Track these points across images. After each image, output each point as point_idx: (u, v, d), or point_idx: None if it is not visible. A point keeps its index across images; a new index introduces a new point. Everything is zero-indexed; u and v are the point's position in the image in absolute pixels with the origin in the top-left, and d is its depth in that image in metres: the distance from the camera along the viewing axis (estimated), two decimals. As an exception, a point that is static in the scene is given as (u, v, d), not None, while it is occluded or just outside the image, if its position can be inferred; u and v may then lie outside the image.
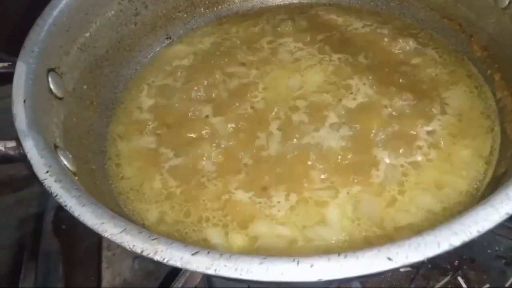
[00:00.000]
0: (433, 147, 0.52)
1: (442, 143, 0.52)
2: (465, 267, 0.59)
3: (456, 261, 0.59)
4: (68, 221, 0.67)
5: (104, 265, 0.62)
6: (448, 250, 0.31)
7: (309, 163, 0.51)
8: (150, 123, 0.60)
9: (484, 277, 0.58)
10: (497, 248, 0.60)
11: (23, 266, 0.76)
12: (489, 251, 0.59)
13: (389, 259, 0.30)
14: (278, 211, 0.48)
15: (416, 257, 0.30)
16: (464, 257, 0.59)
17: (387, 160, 0.51)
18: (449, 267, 0.59)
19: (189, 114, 0.59)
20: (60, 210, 0.69)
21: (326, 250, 0.44)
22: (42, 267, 0.63)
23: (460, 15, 0.63)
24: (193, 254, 0.31)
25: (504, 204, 0.32)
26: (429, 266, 0.59)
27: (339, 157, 0.52)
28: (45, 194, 0.76)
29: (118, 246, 0.60)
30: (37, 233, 0.72)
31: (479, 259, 0.59)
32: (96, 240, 0.64)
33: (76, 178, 0.43)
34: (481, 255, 0.59)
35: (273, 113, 0.58)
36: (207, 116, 0.59)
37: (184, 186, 0.52)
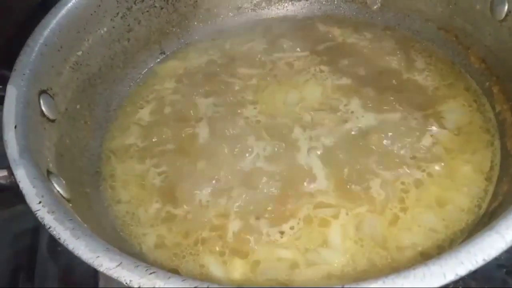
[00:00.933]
0: (433, 163, 0.51)
1: (442, 159, 0.52)
2: (466, 276, 0.58)
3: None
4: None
5: (101, 283, 0.61)
6: (454, 280, 0.30)
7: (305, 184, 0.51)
8: (144, 140, 0.59)
9: (486, 287, 0.57)
10: (498, 257, 0.59)
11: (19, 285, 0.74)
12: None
13: (394, 291, 0.29)
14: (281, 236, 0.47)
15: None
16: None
17: (387, 177, 0.50)
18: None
19: (183, 135, 0.58)
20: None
21: (329, 274, 0.43)
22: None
23: (457, 27, 0.63)
24: (191, 289, 0.30)
25: (510, 231, 0.31)
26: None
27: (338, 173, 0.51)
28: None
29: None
30: (33, 250, 0.71)
31: (480, 269, 0.58)
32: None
33: (71, 205, 0.42)
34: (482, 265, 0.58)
35: (268, 129, 0.57)
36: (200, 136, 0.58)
37: (180, 210, 0.51)
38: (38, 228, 0.72)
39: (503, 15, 0.54)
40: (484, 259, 0.30)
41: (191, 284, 0.31)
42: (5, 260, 0.87)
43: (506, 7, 0.54)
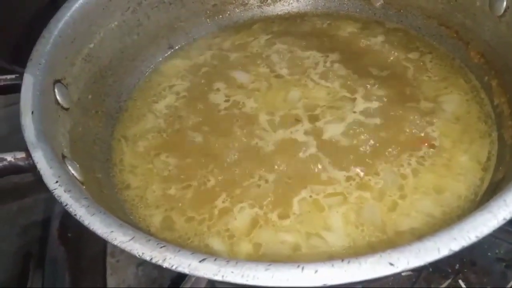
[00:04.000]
0: (432, 151, 0.53)
1: (440, 148, 0.53)
2: (466, 270, 0.59)
3: (457, 265, 0.59)
4: (73, 228, 0.68)
5: (108, 272, 0.63)
6: (448, 255, 0.32)
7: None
8: (154, 130, 0.61)
9: (485, 280, 0.58)
10: (497, 251, 0.60)
11: (30, 273, 0.76)
12: (489, 254, 0.59)
13: (391, 264, 0.31)
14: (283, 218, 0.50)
15: (417, 262, 0.31)
16: (464, 260, 0.60)
17: (386, 165, 0.52)
18: (450, 270, 0.59)
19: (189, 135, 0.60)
20: (66, 218, 0.69)
21: (330, 257, 0.45)
22: (48, 274, 0.63)
23: (457, 23, 0.64)
24: (200, 261, 0.32)
25: (501, 210, 0.33)
26: (430, 269, 0.59)
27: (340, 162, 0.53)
28: (51, 201, 0.77)
29: (122, 252, 0.62)
30: (44, 240, 0.73)
31: (480, 262, 0.59)
32: (102, 248, 0.65)
33: (84, 187, 0.44)
34: (481, 258, 0.59)
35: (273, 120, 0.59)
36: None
37: (187, 191, 0.53)
38: (47, 219, 0.74)
39: (502, 11, 0.56)
40: (476, 236, 0.32)
41: (200, 257, 0.33)
42: (15, 251, 0.90)
43: (505, 3, 0.55)
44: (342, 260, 0.31)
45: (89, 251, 0.65)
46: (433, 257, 0.31)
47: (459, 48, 0.64)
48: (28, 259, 0.83)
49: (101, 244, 0.65)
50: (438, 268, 0.59)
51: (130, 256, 0.62)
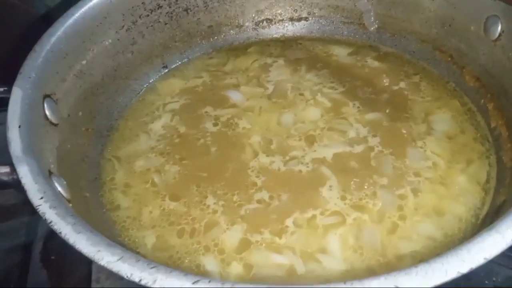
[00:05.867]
0: (429, 172, 0.53)
1: (437, 168, 0.53)
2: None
3: (455, 293, 0.58)
4: (57, 251, 0.65)
5: (95, 292, 0.60)
6: (456, 277, 0.30)
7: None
8: (148, 150, 0.59)
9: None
10: (494, 278, 0.58)
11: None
12: (486, 282, 0.58)
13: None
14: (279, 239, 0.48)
15: (424, 284, 0.29)
16: (462, 287, 0.58)
17: (385, 186, 0.51)
18: (447, 298, 0.58)
19: (188, 146, 0.59)
20: (49, 240, 0.66)
21: (327, 281, 0.43)
22: (29, 300, 0.60)
23: (452, 47, 0.65)
24: (193, 283, 0.30)
25: (510, 230, 0.32)
26: (427, 297, 0.58)
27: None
28: (33, 224, 0.74)
29: (107, 278, 0.59)
30: (25, 264, 0.70)
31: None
32: (87, 272, 0.62)
33: (71, 205, 0.42)
34: (479, 286, 0.58)
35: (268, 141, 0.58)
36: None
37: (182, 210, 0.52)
38: (30, 243, 0.71)
39: (497, 35, 0.56)
40: (485, 258, 0.31)
41: (193, 278, 0.31)
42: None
43: (499, 27, 0.56)
44: (345, 282, 0.30)
45: (72, 276, 0.62)
46: (440, 279, 0.30)
47: (454, 72, 0.64)
48: (8, 284, 0.79)
49: (86, 268, 0.62)
50: (434, 296, 0.57)
51: (115, 283, 0.60)
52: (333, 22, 0.76)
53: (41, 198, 0.37)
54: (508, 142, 0.53)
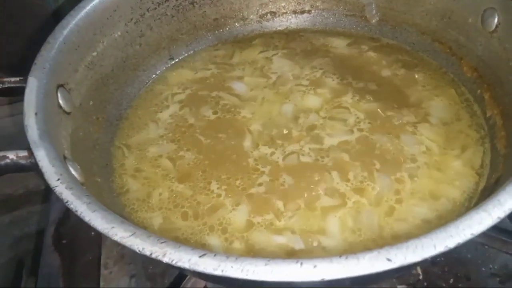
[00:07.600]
0: (425, 157, 0.55)
1: (433, 153, 0.55)
2: (460, 285, 0.59)
3: (452, 279, 0.60)
4: (68, 235, 0.68)
5: (101, 283, 0.62)
6: (444, 251, 0.32)
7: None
8: (156, 138, 0.62)
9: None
10: (491, 266, 0.60)
11: (22, 281, 0.75)
12: (483, 269, 0.60)
13: (388, 260, 0.31)
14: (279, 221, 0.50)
15: (414, 258, 0.32)
16: (459, 275, 0.60)
17: (383, 171, 0.54)
18: (444, 285, 0.59)
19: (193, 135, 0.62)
20: (61, 224, 0.69)
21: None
22: (42, 281, 0.63)
23: (451, 39, 0.66)
24: (200, 256, 0.33)
25: (496, 209, 0.34)
26: (425, 284, 0.59)
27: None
28: (44, 213, 0.77)
29: (115, 263, 0.61)
30: (37, 250, 0.73)
31: (474, 277, 0.59)
32: (96, 255, 0.65)
33: (85, 187, 0.44)
34: (476, 273, 0.59)
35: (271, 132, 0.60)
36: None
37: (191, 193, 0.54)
38: (41, 231, 0.74)
39: (494, 27, 0.58)
40: (472, 233, 0.33)
41: (200, 252, 0.33)
42: (6, 261, 0.89)
43: (496, 19, 0.58)
44: (340, 256, 0.32)
45: (83, 258, 0.65)
46: (429, 253, 0.32)
47: (453, 63, 0.66)
48: (21, 268, 0.82)
49: (96, 252, 0.65)
50: (432, 283, 0.59)
51: (123, 268, 0.63)
52: (335, 14, 0.78)
53: (58, 179, 0.40)
54: (503, 130, 0.55)
